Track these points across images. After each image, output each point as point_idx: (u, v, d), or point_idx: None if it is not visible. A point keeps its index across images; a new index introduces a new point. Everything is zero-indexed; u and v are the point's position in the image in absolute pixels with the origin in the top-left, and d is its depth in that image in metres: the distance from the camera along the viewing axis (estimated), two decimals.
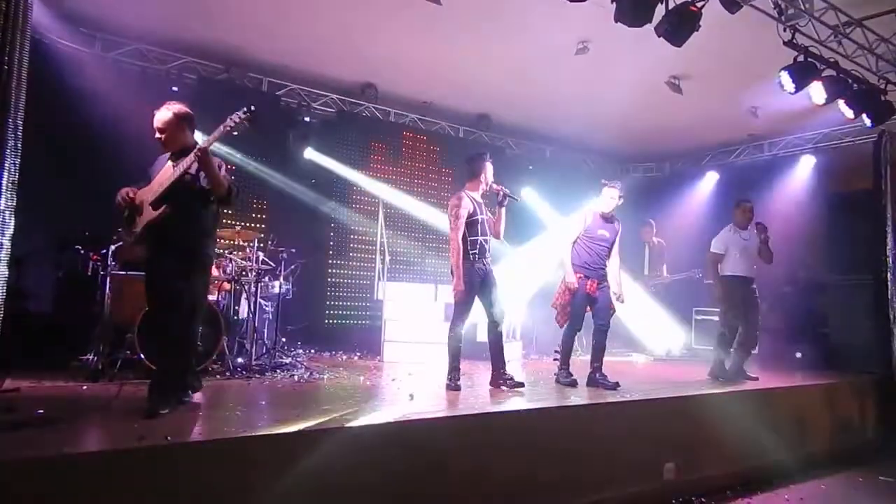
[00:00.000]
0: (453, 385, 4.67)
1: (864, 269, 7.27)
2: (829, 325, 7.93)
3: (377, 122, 8.50)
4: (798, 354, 7.80)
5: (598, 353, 5.24)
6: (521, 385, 4.79)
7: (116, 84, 6.21)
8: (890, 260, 6.86)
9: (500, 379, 4.85)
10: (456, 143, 9.18)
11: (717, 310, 7.36)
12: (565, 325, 5.24)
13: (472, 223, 4.77)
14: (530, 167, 9.77)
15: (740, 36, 5.56)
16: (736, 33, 5.48)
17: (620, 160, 10.71)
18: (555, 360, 5.32)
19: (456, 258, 4.70)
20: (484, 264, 4.81)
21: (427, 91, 8.10)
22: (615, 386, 5.02)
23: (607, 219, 5.29)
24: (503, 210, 5.00)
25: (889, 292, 6.83)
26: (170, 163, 3.65)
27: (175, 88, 7.02)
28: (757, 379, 6.01)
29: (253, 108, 3.62)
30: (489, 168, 4.98)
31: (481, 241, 4.79)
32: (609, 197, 5.25)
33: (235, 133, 3.65)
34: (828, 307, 8.02)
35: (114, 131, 5.87)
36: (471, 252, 4.75)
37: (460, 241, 4.71)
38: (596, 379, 5.15)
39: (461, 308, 4.77)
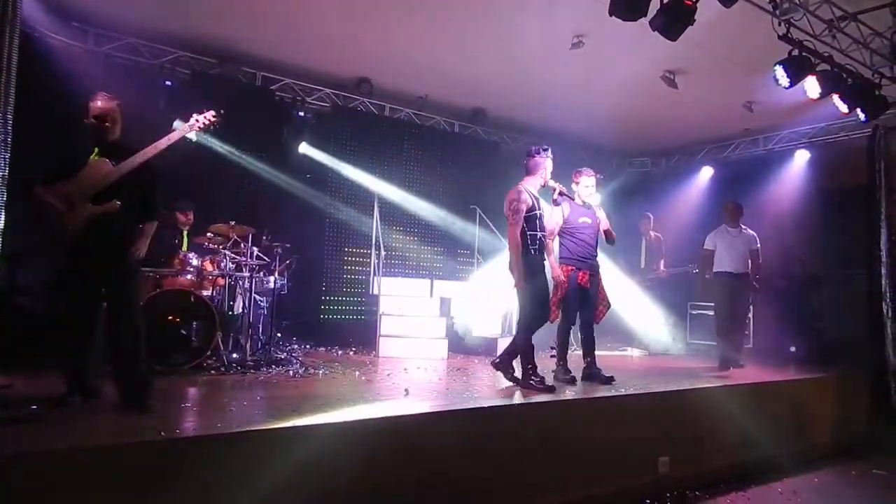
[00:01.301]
0: (537, 384, 4.49)
1: (858, 263, 7.30)
2: (823, 319, 7.97)
3: (372, 117, 8.46)
4: (792, 348, 7.84)
5: (588, 347, 5.24)
6: (553, 389, 4.56)
7: (109, 79, 6.12)
8: (883, 254, 6.89)
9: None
10: (451, 139, 9.17)
11: (712, 304, 7.52)
12: (558, 320, 5.18)
13: (530, 218, 4.61)
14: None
15: (735, 30, 5.56)
16: (731, 27, 5.47)
17: (616, 155, 10.70)
18: (552, 356, 5.32)
19: (516, 254, 4.56)
20: (542, 261, 4.68)
21: (422, 86, 8.06)
22: (610, 380, 5.02)
23: (586, 206, 5.30)
24: (556, 209, 4.94)
25: (882, 286, 6.86)
26: (99, 157, 3.56)
27: (168, 83, 6.98)
28: (742, 366, 6.53)
29: (222, 112, 3.92)
30: (550, 164, 4.87)
31: (541, 237, 4.66)
32: (584, 186, 5.30)
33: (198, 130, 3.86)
34: (822, 301, 8.06)
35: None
36: (531, 247, 4.60)
37: (519, 237, 4.57)
38: (591, 373, 5.14)
39: (533, 305, 4.62)
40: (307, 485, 2.97)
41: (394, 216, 8.61)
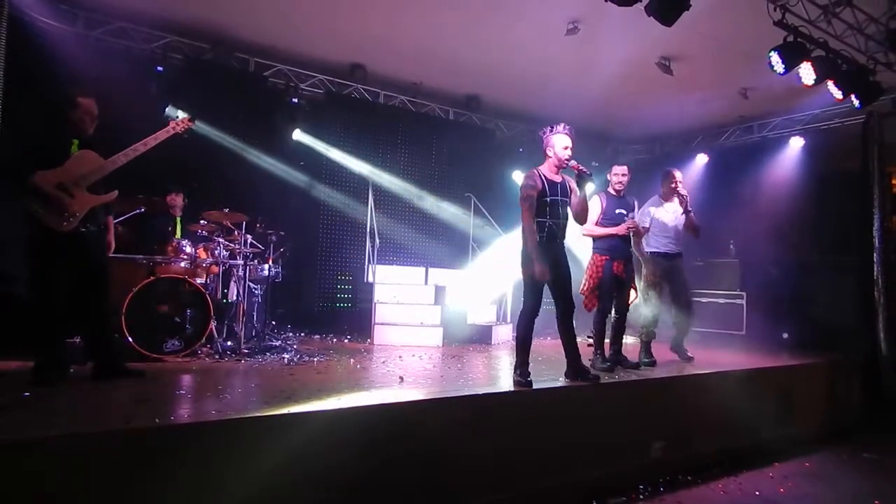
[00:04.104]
0: (523, 381, 4.18)
1: (852, 249, 7.33)
2: (816, 305, 8.01)
3: (366, 104, 8.40)
4: (784, 335, 7.88)
5: (618, 335, 5.38)
6: (598, 378, 4.50)
7: (100, 64, 6.04)
8: (876, 240, 6.93)
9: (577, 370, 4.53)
10: (445, 126, 9.13)
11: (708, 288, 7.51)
12: (594, 310, 5.23)
13: (540, 205, 4.28)
14: (521, 149, 9.74)
15: (731, 16, 5.53)
16: (726, 13, 5.45)
17: (611, 142, 10.69)
18: (589, 345, 5.38)
19: (531, 243, 4.21)
20: (553, 250, 4.35)
21: (417, 72, 8.00)
22: (637, 366, 5.26)
23: (620, 197, 5.41)
24: (580, 190, 4.44)
25: (875, 273, 6.90)
26: (80, 149, 3.78)
27: (160, 68, 6.90)
28: (692, 359, 5.87)
29: (195, 120, 4.30)
30: (558, 140, 4.35)
31: (550, 225, 4.32)
32: (621, 174, 5.39)
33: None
34: (815, 287, 8.09)
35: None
36: (539, 235, 4.27)
37: (533, 224, 4.24)
38: (618, 360, 5.31)
39: (528, 295, 4.34)
40: (302, 472, 2.97)
41: (388, 204, 8.59)
